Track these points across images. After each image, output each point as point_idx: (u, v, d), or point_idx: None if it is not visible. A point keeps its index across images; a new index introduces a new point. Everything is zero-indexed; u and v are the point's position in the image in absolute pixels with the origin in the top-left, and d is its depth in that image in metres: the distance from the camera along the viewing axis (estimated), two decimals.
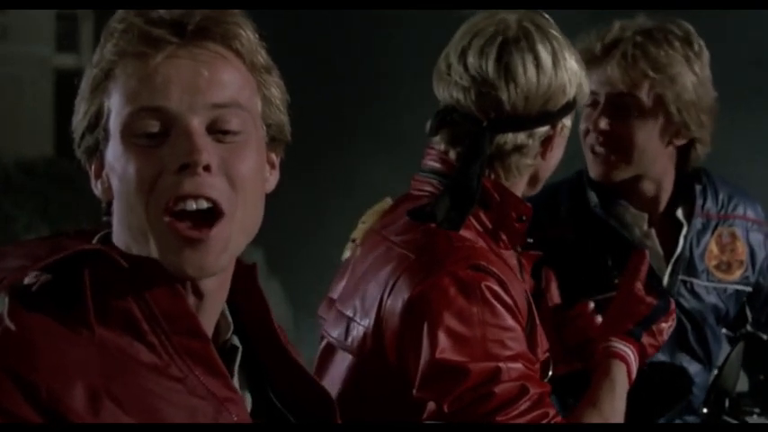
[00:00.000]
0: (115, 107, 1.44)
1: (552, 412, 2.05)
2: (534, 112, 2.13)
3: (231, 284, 1.51)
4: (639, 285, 2.35)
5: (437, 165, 2.18)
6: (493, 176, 2.16)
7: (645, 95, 2.65)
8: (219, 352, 1.48)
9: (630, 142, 2.66)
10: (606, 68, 2.62)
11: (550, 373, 2.21)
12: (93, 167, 1.48)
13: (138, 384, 1.38)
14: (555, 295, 2.42)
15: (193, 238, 1.41)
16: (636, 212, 2.77)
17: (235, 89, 1.45)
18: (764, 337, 2.90)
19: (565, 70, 2.14)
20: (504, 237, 2.16)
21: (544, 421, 2.03)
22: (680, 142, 2.72)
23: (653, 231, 2.78)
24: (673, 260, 2.76)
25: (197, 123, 1.42)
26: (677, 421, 2.79)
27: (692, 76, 2.66)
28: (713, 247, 2.80)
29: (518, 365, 2.04)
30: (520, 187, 2.19)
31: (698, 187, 2.80)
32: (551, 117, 2.15)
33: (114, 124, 1.44)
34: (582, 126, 2.69)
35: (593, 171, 2.71)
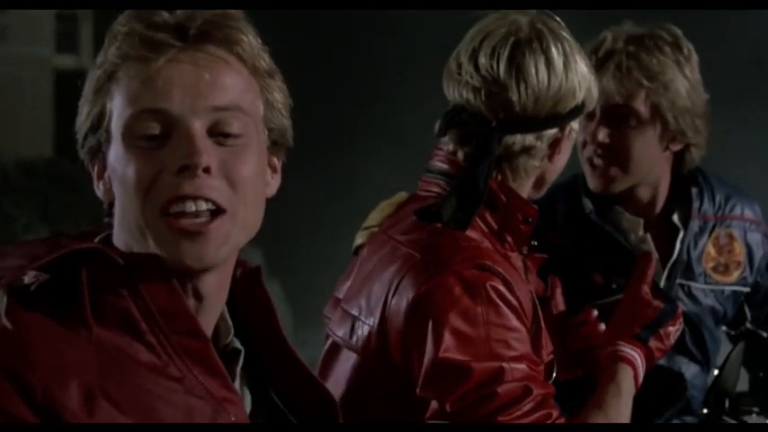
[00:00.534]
0: (117, 109, 1.44)
1: (556, 414, 2.05)
2: (543, 114, 2.13)
3: (231, 287, 1.52)
4: (646, 289, 2.35)
5: (444, 166, 2.18)
6: (500, 177, 2.16)
7: (641, 105, 2.65)
8: (220, 354, 1.48)
9: (629, 153, 2.67)
10: (602, 81, 2.62)
11: (554, 375, 2.20)
12: (95, 169, 1.49)
13: (136, 384, 1.39)
14: (560, 302, 2.43)
15: (192, 230, 1.41)
16: (632, 218, 2.78)
17: (236, 93, 1.46)
18: (764, 334, 2.90)
19: (575, 73, 2.14)
20: (509, 238, 2.16)
21: (547, 422, 2.03)
22: (676, 148, 2.72)
23: (649, 236, 2.78)
24: (669, 264, 2.77)
25: (198, 126, 1.43)
26: (676, 422, 2.80)
27: (684, 81, 2.66)
28: (710, 250, 2.80)
29: (522, 366, 2.03)
30: (526, 189, 2.19)
31: (694, 190, 2.80)
32: (560, 119, 2.15)
33: (116, 126, 1.45)
34: (578, 138, 2.69)
35: (593, 184, 2.71)
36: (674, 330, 2.35)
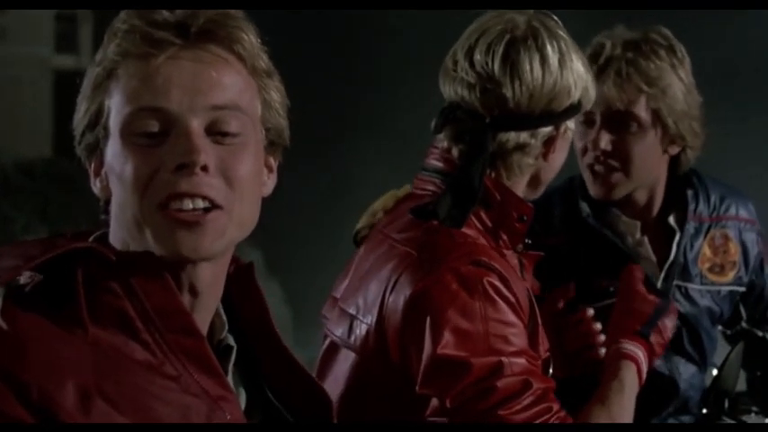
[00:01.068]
0: (116, 106, 1.45)
1: (556, 407, 2.05)
2: (538, 112, 2.14)
3: (227, 284, 1.52)
4: (641, 286, 2.36)
5: (439, 164, 2.19)
6: (494, 175, 2.16)
7: (642, 111, 2.65)
8: (214, 351, 1.48)
9: (631, 158, 2.67)
10: (602, 88, 2.62)
11: (551, 371, 2.21)
12: (92, 165, 1.50)
13: (132, 383, 1.39)
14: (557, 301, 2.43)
15: (189, 220, 1.42)
16: (628, 220, 2.78)
17: (235, 92, 1.46)
18: (760, 333, 2.91)
19: (571, 71, 2.15)
20: (504, 236, 2.16)
21: (548, 416, 2.03)
22: (674, 151, 2.73)
23: (645, 239, 2.79)
24: (666, 266, 2.77)
25: (196, 124, 1.43)
26: (673, 421, 2.80)
27: (680, 84, 2.67)
28: (706, 250, 2.81)
29: (521, 360, 2.04)
30: (521, 187, 2.19)
31: (689, 192, 2.80)
32: (555, 117, 2.15)
33: (114, 123, 1.45)
34: (578, 144, 2.69)
35: (594, 191, 2.71)
36: (670, 324, 2.36)
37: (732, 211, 2.84)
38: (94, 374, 1.36)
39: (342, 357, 2.18)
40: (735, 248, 2.84)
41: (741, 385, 2.85)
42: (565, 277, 2.53)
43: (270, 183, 1.54)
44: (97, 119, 1.47)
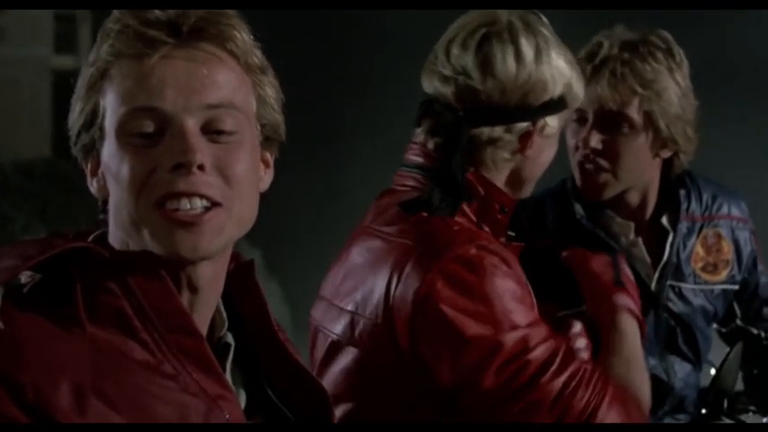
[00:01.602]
0: (110, 106, 1.45)
1: (584, 359, 2.11)
2: (512, 105, 2.14)
3: (227, 282, 1.52)
4: (587, 252, 2.35)
5: (419, 159, 2.19)
6: (473, 169, 2.16)
7: (634, 112, 2.65)
8: (215, 348, 1.48)
9: (620, 159, 2.67)
10: (596, 87, 2.62)
11: None
12: (89, 165, 1.50)
13: (130, 382, 1.39)
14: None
15: (187, 220, 1.42)
16: (622, 221, 2.78)
17: (229, 90, 1.46)
18: (755, 331, 2.91)
19: (548, 66, 2.14)
20: (486, 228, 2.17)
21: (581, 373, 2.06)
22: (666, 155, 2.74)
23: (639, 240, 2.79)
24: (660, 267, 2.78)
25: (192, 124, 1.43)
26: (669, 420, 2.81)
27: (676, 88, 2.67)
28: (699, 250, 2.81)
29: (541, 328, 2.07)
30: (500, 183, 2.19)
31: (682, 192, 2.81)
32: (531, 112, 2.15)
33: (109, 123, 1.45)
34: (570, 142, 2.70)
35: (583, 189, 2.72)
36: (626, 266, 2.34)
37: (724, 209, 2.85)
38: (92, 374, 1.36)
39: (343, 355, 2.17)
40: (728, 247, 2.85)
41: (739, 384, 2.85)
42: (559, 278, 2.54)
43: (267, 178, 1.54)
44: (92, 119, 1.46)
